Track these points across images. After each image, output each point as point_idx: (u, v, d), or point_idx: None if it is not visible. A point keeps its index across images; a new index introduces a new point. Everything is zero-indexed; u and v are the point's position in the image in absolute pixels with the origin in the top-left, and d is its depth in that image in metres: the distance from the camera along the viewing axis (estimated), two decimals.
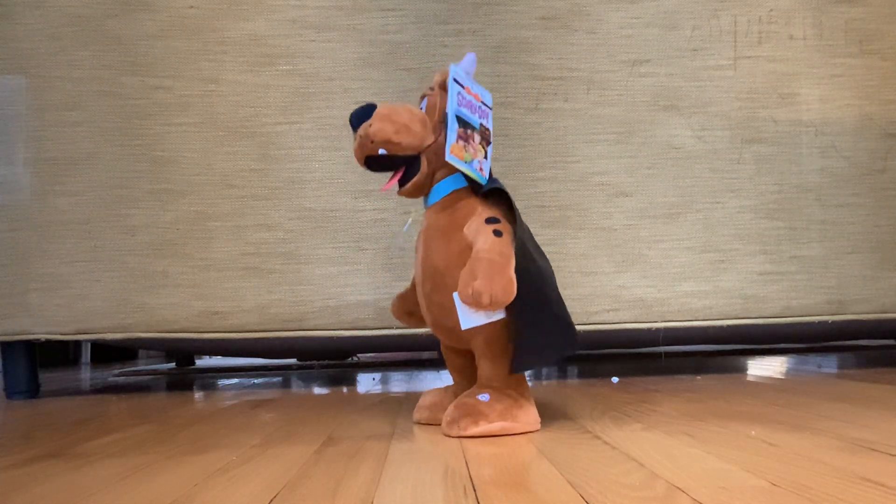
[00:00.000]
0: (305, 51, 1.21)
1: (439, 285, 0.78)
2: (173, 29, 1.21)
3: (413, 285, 0.88)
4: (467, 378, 0.86)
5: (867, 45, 1.26)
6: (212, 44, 1.21)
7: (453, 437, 0.74)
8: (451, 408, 0.76)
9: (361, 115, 0.79)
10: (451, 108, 0.78)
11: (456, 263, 0.77)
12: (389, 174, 0.83)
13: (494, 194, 0.82)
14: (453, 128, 0.78)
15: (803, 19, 1.25)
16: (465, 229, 0.78)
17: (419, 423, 0.84)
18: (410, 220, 0.86)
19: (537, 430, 0.75)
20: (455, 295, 0.76)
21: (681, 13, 1.24)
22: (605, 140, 1.22)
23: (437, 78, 0.83)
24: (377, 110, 0.79)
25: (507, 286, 0.71)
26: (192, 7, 1.22)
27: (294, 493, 0.52)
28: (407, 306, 0.89)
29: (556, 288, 0.80)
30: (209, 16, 1.21)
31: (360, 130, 0.79)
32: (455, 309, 0.77)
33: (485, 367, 0.77)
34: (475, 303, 0.70)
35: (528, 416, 0.76)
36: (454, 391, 0.85)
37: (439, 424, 0.81)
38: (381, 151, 0.79)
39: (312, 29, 1.22)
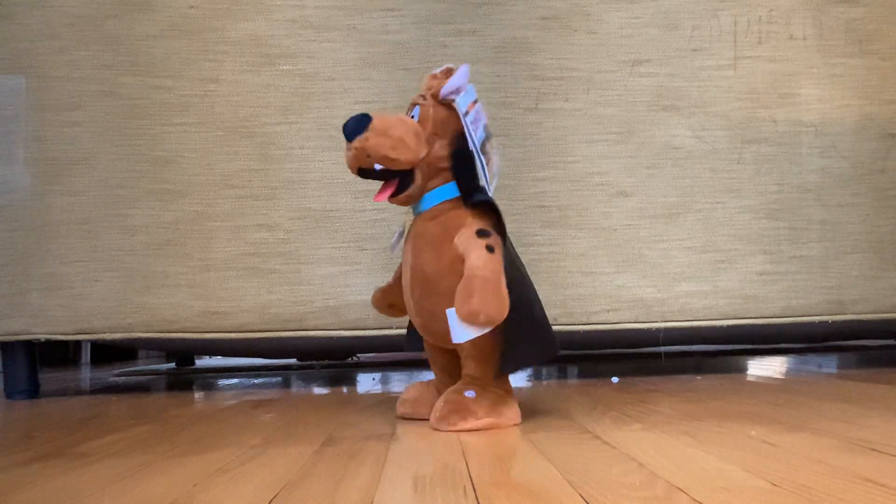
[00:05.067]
0: (305, 51, 1.21)
1: (430, 292, 0.80)
2: (173, 29, 1.21)
3: (396, 281, 0.90)
4: (449, 374, 0.88)
5: (867, 45, 1.26)
6: (212, 44, 1.21)
7: (442, 431, 0.77)
8: (440, 404, 0.79)
9: (356, 127, 0.78)
10: (474, 145, 0.80)
11: (447, 272, 0.79)
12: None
13: (482, 205, 0.83)
14: (482, 161, 0.81)
15: (803, 19, 1.25)
16: (455, 240, 0.79)
17: (402, 417, 0.87)
18: (399, 231, 0.86)
19: (540, 429, 0.75)
20: (450, 311, 0.77)
21: (681, 13, 1.24)
22: (605, 140, 1.22)
23: (427, 86, 0.83)
24: (373, 123, 0.78)
25: (502, 304, 0.74)
26: (192, 7, 1.22)
27: (294, 493, 0.52)
28: (388, 299, 0.91)
29: (537, 294, 0.84)
30: (209, 16, 1.21)
31: (356, 143, 0.78)
32: (434, 308, 0.80)
33: (471, 367, 0.81)
34: (472, 321, 0.73)
35: (512, 411, 0.80)
36: (436, 386, 0.88)
37: (422, 419, 0.85)
38: (378, 166, 0.79)
39: (312, 29, 1.22)
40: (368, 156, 0.78)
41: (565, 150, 1.22)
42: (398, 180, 0.81)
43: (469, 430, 0.77)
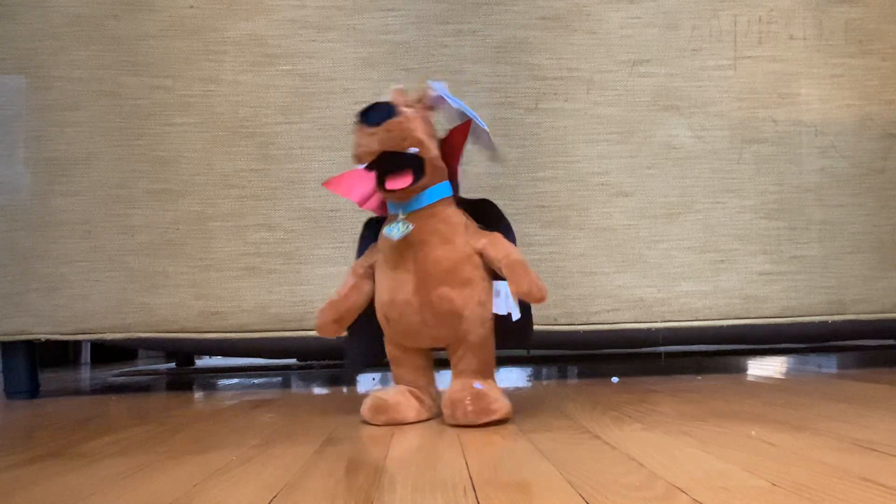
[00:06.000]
0: (305, 51, 1.21)
1: (448, 282, 0.81)
2: (173, 29, 1.21)
3: (347, 293, 0.87)
4: (423, 375, 0.89)
5: (867, 45, 1.26)
6: (212, 44, 1.21)
7: (481, 424, 0.79)
8: (466, 399, 0.80)
9: (386, 111, 0.78)
10: (460, 106, 0.83)
11: (466, 262, 0.82)
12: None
13: (469, 203, 0.88)
14: (474, 115, 0.83)
15: (803, 19, 1.25)
16: (471, 237, 0.83)
17: (386, 424, 0.83)
18: (400, 220, 0.82)
19: (540, 429, 0.76)
20: (506, 288, 0.81)
21: (681, 13, 1.24)
22: (605, 140, 1.22)
23: (398, 100, 0.83)
24: (406, 113, 0.79)
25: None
26: (192, 7, 1.22)
27: (294, 493, 0.52)
28: (339, 310, 0.87)
29: None
30: (209, 16, 1.21)
31: (390, 124, 0.77)
32: (462, 303, 0.82)
33: (472, 361, 0.84)
34: (539, 294, 0.78)
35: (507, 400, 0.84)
36: (409, 390, 0.87)
37: (401, 424, 0.83)
38: (413, 150, 0.79)
39: (312, 29, 1.22)
40: (405, 139, 0.78)
41: (565, 150, 1.22)
42: (412, 171, 0.80)
43: (502, 419, 0.80)
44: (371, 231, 0.91)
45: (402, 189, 0.80)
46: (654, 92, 1.23)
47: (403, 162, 0.79)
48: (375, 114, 0.78)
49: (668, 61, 1.23)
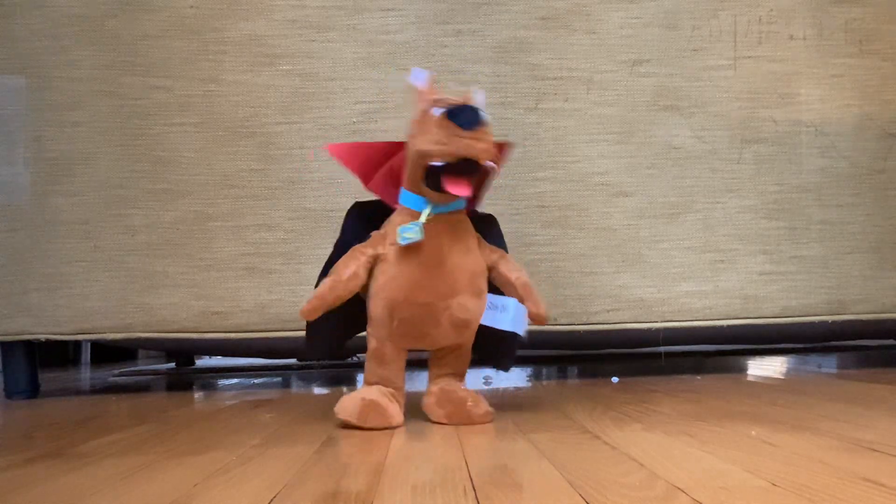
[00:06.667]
0: (305, 51, 1.21)
1: (468, 290, 0.81)
2: (173, 29, 1.21)
3: (348, 280, 0.81)
4: (401, 378, 0.86)
5: (867, 45, 1.26)
6: (212, 44, 1.21)
7: (490, 420, 0.83)
8: (469, 401, 0.83)
9: (474, 118, 0.74)
10: None
11: (481, 274, 0.83)
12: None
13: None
14: None
15: (803, 19, 1.25)
16: (483, 250, 0.84)
17: (374, 428, 0.80)
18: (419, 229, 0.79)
19: (540, 429, 0.76)
20: (515, 306, 0.84)
21: (681, 13, 1.24)
22: (605, 140, 1.22)
23: (432, 98, 0.81)
24: (490, 122, 0.76)
25: None
26: (192, 7, 1.21)
27: (294, 493, 0.52)
28: (338, 298, 0.81)
29: None
30: (209, 16, 1.21)
31: (481, 134, 0.74)
32: (475, 313, 0.83)
33: (458, 364, 0.88)
34: (546, 319, 0.83)
35: None
36: (391, 393, 0.84)
37: (385, 428, 0.80)
38: (489, 164, 0.77)
39: (312, 29, 1.22)
40: (487, 151, 0.75)
41: (565, 150, 1.22)
42: (471, 180, 0.77)
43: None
44: (363, 213, 0.88)
45: (464, 197, 0.77)
46: (654, 92, 1.23)
47: (472, 170, 0.76)
48: (468, 117, 0.74)
49: (668, 61, 1.23)
